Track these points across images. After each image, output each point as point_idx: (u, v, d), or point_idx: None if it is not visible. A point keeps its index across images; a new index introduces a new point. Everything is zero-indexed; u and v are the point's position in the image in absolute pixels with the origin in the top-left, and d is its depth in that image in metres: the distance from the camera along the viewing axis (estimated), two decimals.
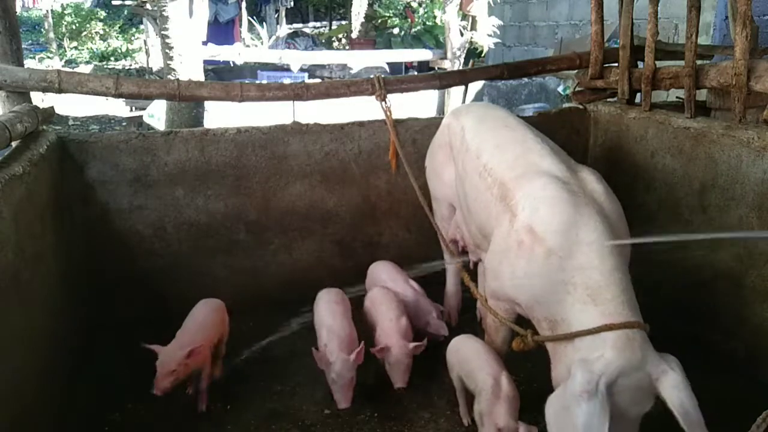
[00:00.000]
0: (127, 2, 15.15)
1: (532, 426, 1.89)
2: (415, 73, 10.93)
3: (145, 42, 13.82)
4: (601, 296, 1.75)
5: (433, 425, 2.27)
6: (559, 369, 1.81)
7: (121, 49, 16.22)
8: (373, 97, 3.03)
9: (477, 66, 8.69)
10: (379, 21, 15.01)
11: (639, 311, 1.77)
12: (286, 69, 9.61)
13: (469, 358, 2.14)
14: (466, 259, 2.66)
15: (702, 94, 2.86)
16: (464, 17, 9.09)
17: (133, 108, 9.54)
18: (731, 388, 2.42)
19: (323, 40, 15.20)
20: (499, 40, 9.71)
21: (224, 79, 9.68)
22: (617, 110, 3.12)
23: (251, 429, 2.27)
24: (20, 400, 1.86)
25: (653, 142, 2.88)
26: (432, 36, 12.89)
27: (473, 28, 9.02)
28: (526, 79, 8.42)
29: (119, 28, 17.39)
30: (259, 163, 2.96)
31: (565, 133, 3.21)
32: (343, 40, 14.92)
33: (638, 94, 3.05)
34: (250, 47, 12.72)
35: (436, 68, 9.12)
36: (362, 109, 3.67)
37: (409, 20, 14.66)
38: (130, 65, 14.65)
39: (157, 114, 7.49)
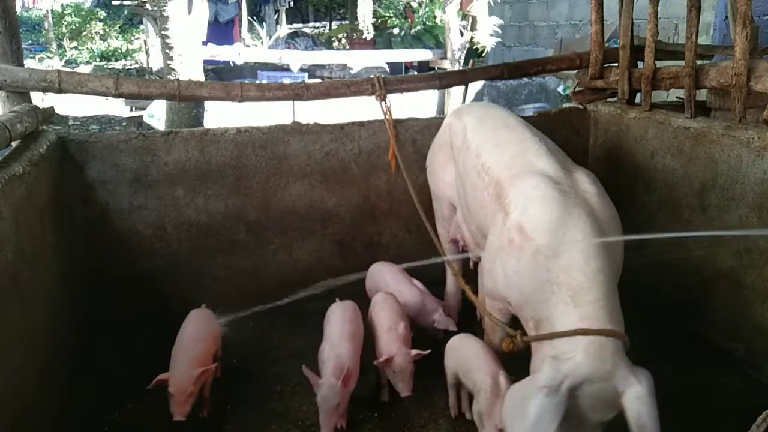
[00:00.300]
0: (127, 2, 15.13)
1: None
2: (415, 73, 10.93)
3: (145, 42, 13.82)
4: (582, 298, 1.74)
5: (433, 425, 2.27)
6: (534, 363, 1.83)
7: (121, 49, 16.24)
8: (373, 97, 3.03)
9: (477, 66, 8.69)
10: (379, 21, 15.02)
11: (620, 320, 1.76)
12: (286, 69, 9.61)
13: (468, 358, 2.14)
14: (465, 255, 2.67)
15: (702, 94, 2.86)
16: (464, 17, 9.09)
17: (133, 108, 9.54)
18: (731, 388, 2.42)
19: (323, 40, 15.20)
20: (499, 40, 9.71)
21: (224, 79, 9.68)
22: (617, 110, 3.12)
23: (251, 429, 2.26)
24: (20, 400, 1.86)
25: (653, 142, 2.88)
26: (432, 36, 12.89)
27: (473, 28, 9.03)
28: (526, 79, 8.42)
29: (119, 28, 17.41)
30: (259, 163, 2.96)
31: (565, 133, 3.21)
32: (343, 40, 14.92)
33: (638, 94, 3.05)
34: (250, 47, 12.72)
35: (436, 68, 9.12)
36: (362, 109, 3.67)
37: (409, 20, 14.66)
38: (130, 65, 14.65)
39: (157, 114, 7.49)
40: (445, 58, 9.02)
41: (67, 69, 3.37)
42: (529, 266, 1.85)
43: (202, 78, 6.10)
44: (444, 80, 3.49)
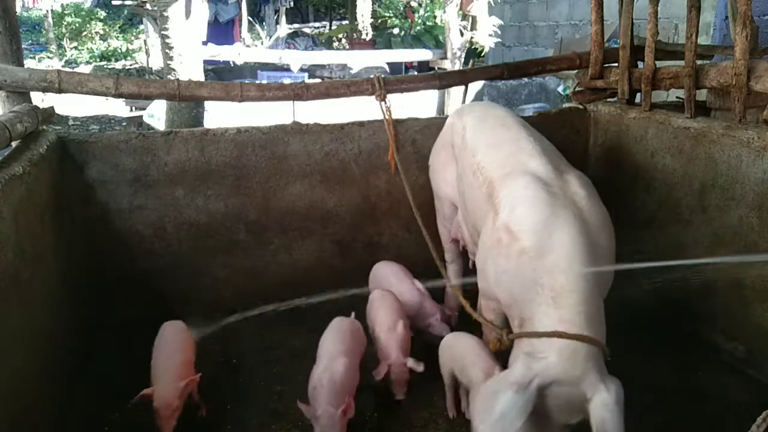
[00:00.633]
0: (127, 2, 15.14)
1: None
2: (415, 73, 10.93)
3: (145, 42, 13.80)
4: (562, 300, 1.75)
5: (433, 425, 2.27)
6: (510, 358, 1.85)
7: (121, 49, 16.22)
8: (373, 97, 3.03)
9: (477, 66, 8.69)
10: (379, 21, 15.02)
11: (600, 326, 1.76)
12: (286, 69, 9.60)
13: (463, 354, 2.15)
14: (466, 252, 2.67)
15: (702, 94, 2.86)
16: (464, 17, 9.09)
17: (133, 108, 9.54)
18: (731, 388, 2.42)
19: (323, 40, 15.19)
20: (499, 40, 9.71)
21: (224, 79, 9.68)
22: (617, 110, 3.12)
23: (251, 429, 2.27)
24: (20, 400, 1.86)
25: (653, 142, 2.88)
26: (432, 36, 12.88)
27: (473, 28, 9.02)
28: (526, 79, 8.42)
29: (119, 28, 17.40)
30: (259, 163, 2.96)
31: (565, 133, 3.22)
32: (343, 40, 14.92)
33: (638, 94, 3.05)
34: (250, 47, 12.72)
35: (436, 68, 9.11)
36: (362, 109, 3.66)
37: (409, 20, 14.66)
38: (130, 65, 14.64)
39: (157, 114, 7.49)
40: (445, 58, 9.01)
41: (67, 69, 3.36)
42: (516, 266, 1.86)
43: (202, 78, 6.09)
44: (444, 80, 3.49)
